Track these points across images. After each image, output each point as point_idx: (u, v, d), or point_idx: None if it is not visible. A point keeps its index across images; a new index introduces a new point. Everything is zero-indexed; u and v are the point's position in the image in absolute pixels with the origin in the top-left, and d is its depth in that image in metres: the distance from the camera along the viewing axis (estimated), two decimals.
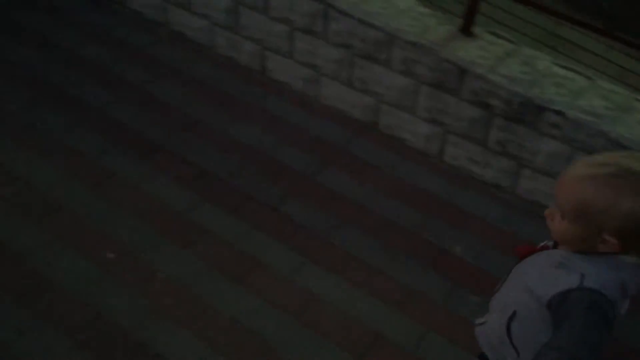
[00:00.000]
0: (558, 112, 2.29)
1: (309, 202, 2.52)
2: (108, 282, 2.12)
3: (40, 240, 2.22)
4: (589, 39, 3.87)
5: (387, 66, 2.66)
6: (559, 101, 2.32)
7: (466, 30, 2.59)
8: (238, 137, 2.79)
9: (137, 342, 1.95)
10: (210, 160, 2.65)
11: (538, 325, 1.24)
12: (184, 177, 2.56)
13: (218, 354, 1.95)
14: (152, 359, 1.91)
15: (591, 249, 1.19)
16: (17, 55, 3.06)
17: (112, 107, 2.84)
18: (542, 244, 1.37)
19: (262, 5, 2.91)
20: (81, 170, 2.52)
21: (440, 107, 2.60)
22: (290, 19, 2.86)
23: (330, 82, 2.90)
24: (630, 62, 3.80)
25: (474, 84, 2.45)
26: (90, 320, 1.99)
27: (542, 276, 1.25)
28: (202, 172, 2.60)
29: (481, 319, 1.49)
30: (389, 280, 2.23)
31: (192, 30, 3.25)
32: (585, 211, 1.16)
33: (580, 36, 3.91)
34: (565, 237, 1.23)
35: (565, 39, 3.93)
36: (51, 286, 2.07)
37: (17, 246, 2.19)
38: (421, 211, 2.51)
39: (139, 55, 3.18)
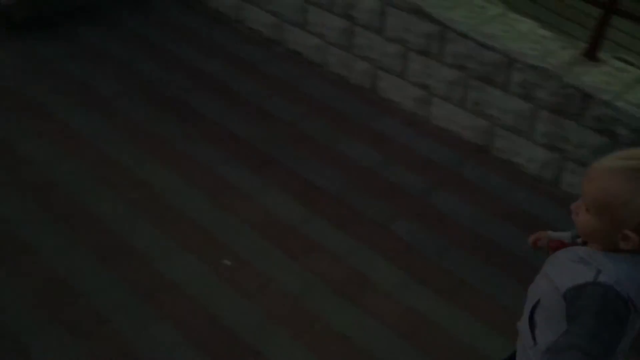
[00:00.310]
0: None
1: (418, 222, 2.51)
2: (224, 288, 2.19)
3: (163, 243, 2.34)
4: None
5: (505, 89, 2.62)
6: None
7: (591, 55, 2.51)
8: (348, 153, 2.83)
9: (251, 349, 2.00)
10: (321, 176, 2.70)
11: (557, 316, 1.23)
12: (295, 190, 2.62)
13: None
14: None
15: (613, 245, 1.19)
16: (139, 65, 3.25)
17: (229, 120, 2.96)
18: (574, 240, 1.39)
19: (378, 26, 2.95)
20: (199, 179, 2.64)
21: (560, 133, 2.52)
22: (405, 40, 2.88)
23: (442, 102, 2.88)
24: None
25: (598, 111, 2.37)
26: (207, 323, 2.07)
27: (562, 269, 1.27)
28: (313, 186, 2.65)
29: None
30: (499, 307, 2.18)
31: (306, 48, 3.34)
32: (607, 204, 1.16)
33: None
34: (588, 230, 1.23)
35: None
36: (173, 287, 2.17)
37: (142, 247, 2.31)
38: None
39: (255, 71, 3.30)
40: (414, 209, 2.57)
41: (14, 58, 3.20)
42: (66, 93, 3.02)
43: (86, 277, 2.18)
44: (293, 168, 2.73)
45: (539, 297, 1.33)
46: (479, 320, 2.14)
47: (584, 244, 1.32)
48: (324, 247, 2.38)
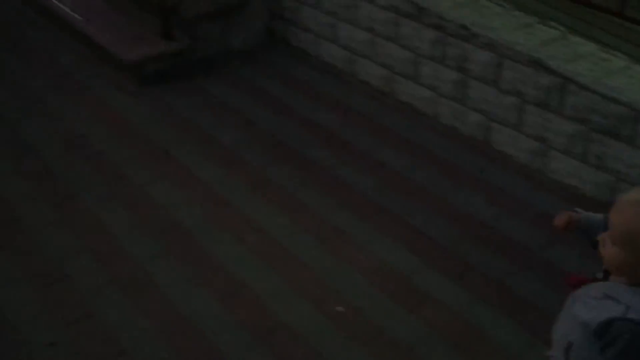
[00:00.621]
0: None
1: (536, 278, 2.41)
2: (337, 334, 2.19)
3: (277, 286, 2.38)
4: None
5: (631, 143, 2.51)
6: None
7: None
8: (460, 205, 2.80)
9: None
10: (433, 226, 2.68)
11: (592, 354, 1.25)
12: (407, 240, 2.60)
13: None
14: None
15: (637, 278, 1.22)
16: (257, 115, 3.41)
17: (341, 169, 3.02)
18: (593, 276, 1.38)
19: (493, 78, 2.95)
20: (312, 224, 2.69)
21: None
22: (521, 92, 2.85)
23: (561, 156, 2.80)
24: None
25: None
26: None
27: (587, 306, 1.29)
28: (425, 236, 2.63)
29: (550, 352, 1.46)
30: None
31: (417, 99, 3.38)
32: (632, 236, 1.19)
33: None
34: (614, 263, 1.26)
35: None
36: (286, 329, 2.20)
37: (257, 289, 2.37)
38: None
39: (365, 121, 3.37)
40: (530, 264, 2.48)
41: (144, 107, 3.46)
42: (189, 140, 3.21)
43: (208, 316, 2.25)
44: (404, 217, 2.72)
45: (569, 339, 1.33)
46: None
47: (605, 278, 1.34)
48: (437, 298, 2.34)
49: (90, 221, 2.69)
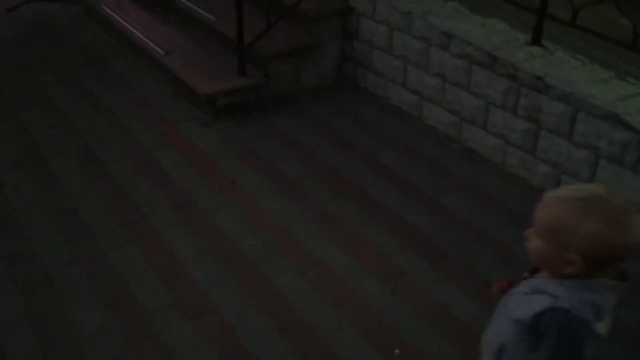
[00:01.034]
0: None
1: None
2: None
3: (337, 322, 2.38)
4: None
5: None
6: None
7: None
8: (525, 256, 2.73)
9: None
10: (497, 274, 2.61)
11: (522, 352, 1.31)
12: (469, 287, 2.56)
13: None
14: None
15: (560, 271, 1.28)
16: (323, 151, 3.46)
17: (404, 210, 3.02)
18: (522, 277, 1.44)
19: (566, 130, 2.91)
20: (373, 263, 2.68)
21: None
22: (595, 146, 2.80)
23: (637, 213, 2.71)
24: None
25: None
26: None
27: (519, 303, 1.35)
28: (488, 284, 2.57)
29: None
30: None
31: (485, 147, 3.36)
32: (554, 229, 1.28)
33: None
34: (537, 255, 1.35)
35: None
36: None
37: (316, 323, 2.37)
38: None
39: (431, 165, 3.37)
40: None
41: (215, 138, 3.58)
42: (256, 171, 3.28)
43: (266, 346, 2.27)
44: (468, 263, 2.68)
45: (500, 342, 1.38)
46: None
47: (532, 276, 1.41)
48: None
49: (157, 243, 2.77)
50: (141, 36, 4.36)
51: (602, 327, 1.27)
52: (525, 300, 1.33)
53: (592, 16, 3.07)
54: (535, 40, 3.21)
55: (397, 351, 2.26)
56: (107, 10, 4.85)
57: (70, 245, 2.75)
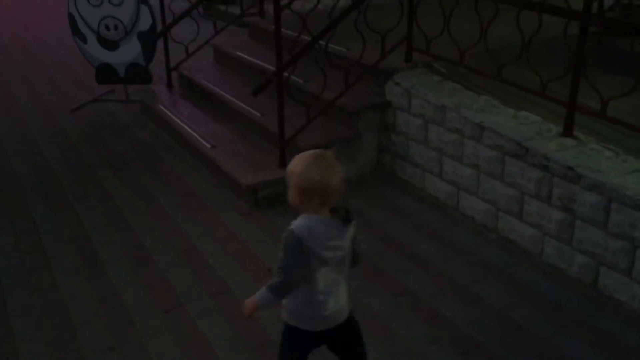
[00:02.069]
0: None
1: None
2: None
3: None
4: None
5: None
6: None
7: None
8: (563, 350, 2.65)
9: None
10: None
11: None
12: None
13: None
14: None
15: (298, 207, 1.96)
16: (363, 244, 3.50)
17: (438, 300, 3.00)
18: None
19: (601, 220, 2.88)
20: (402, 356, 2.65)
21: None
22: (632, 237, 2.75)
23: None
24: None
25: None
26: None
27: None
28: None
29: None
30: None
31: (521, 237, 3.34)
32: (290, 175, 1.92)
33: None
34: (291, 201, 1.96)
35: None
36: None
37: None
38: None
39: (467, 254, 3.36)
40: None
41: (253, 227, 3.70)
42: None
43: None
44: (502, 356, 2.61)
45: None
46: None
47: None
48: None
49: (191, 330, 2.84)
50: (190, 131, 4.64)
51: (328, 251, 1.97)
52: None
53: (624, 105, 3.11)
54: (567, 131, 3.25)
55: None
56: (162, 108, 5.22)
57: (110, 331, 2.84)
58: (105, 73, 5.77)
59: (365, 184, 4.16)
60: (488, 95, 3.78)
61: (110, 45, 5.62)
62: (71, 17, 5.60)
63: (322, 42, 3.96)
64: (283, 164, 4.01)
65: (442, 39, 3.89)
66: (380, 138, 4.26)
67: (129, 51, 5.61)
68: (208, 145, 4.38)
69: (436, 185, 3.90)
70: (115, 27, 5.53)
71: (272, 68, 4.06)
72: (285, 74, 3.86)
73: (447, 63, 4.05)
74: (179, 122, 4.84)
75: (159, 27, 5.57)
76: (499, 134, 3.37)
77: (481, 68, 3.78)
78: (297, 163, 1.92)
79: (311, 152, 1.94)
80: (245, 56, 5.35)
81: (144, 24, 5.47)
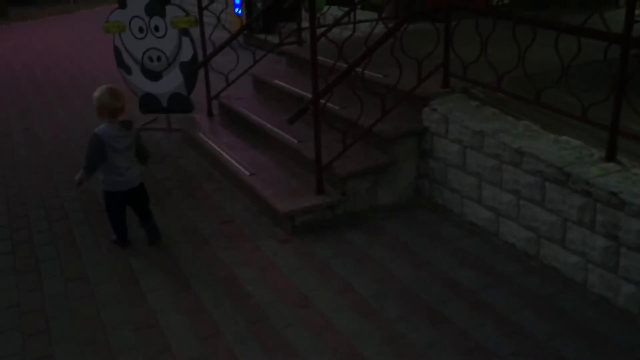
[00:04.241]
0: None
1: None
2: None
3: None
4: None
5: None
6: None
7: None
8: None
9: None
10: None
11: None
12: None
13: None
14: None
15: (101, 119, 3.60)
16: (398, 269, 3.47)
17: (477, 330, 2.93)
18: None
19: None
20: None
21: None
22: None
23: None
24: None
25: None
26: None
27: None
28: None
29: None
30: None
31: (564, 265, 3.25)
32: (95, 101, 3.58)
33: None
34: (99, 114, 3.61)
35: None
36: None
37: None
38: None
39: (508, 282, 3.28)
40: None
41: (291, 254, 3.71)
42: (329, 287, 3.34)
43: None
44: None
45: None
46: None
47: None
48: None
49: (228, 359, 2.84)
50: (230, 159, 4.71)
51: (118, 144, 3.57)
52: None
53: None
54: (610, 156, 3.17)
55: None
56: (202, 136, 5.32)
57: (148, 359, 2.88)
58: (148, 103, 5.95)
59: (403, 210, 4.14)
60: (527, 120, 3.72)
61: (153, 76, 5.80)
62: (117, 50, 5.81)
63: (359, 69, 3.99)
64: (320, 190, 4.03)
65: (479, 65, 3.86)
66: (418, 164, 4.24)
67: (171, 81, 5.77)
68: (247, 173, 4.44)
69: (475, 211, 3.84)
70: (159, 59, 5.70)
71: (309, 95, 4.11)
72: (322, 101, 3.89)
73: (485, 88, 4.02)
74: (219, 150, 4.93)
75: (200, 58, 5.72)
76: (539, 159, 3.31)
77: (520, 93, 3.74)
78: (97, 92, 3.55)
79: (105, 85, 3.61)
80: (283, 84, 5.42)
81: (186, 54, 5.63)
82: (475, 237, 3.75)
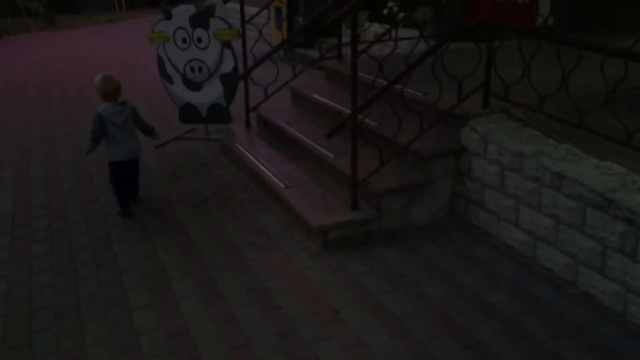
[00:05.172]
0: None
1: None
2: None
3: None
4: None
5: None
6: None
7: None
8: None
9: None
10: None
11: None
12: None
13: None
14: None
15: (101, 99, 4.47)
16: (430, 288, 3.43)
17: (511, 355, 2.87)
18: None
19: None
20: None
21: None
22: None
23: None
24: None
25: None
26: None
27: None
28: None
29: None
30: None
31: (603, 293, 3.16)
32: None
33: None
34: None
35: None
36: None
37: None
38: None
39: (543, 308, 3.21)
40: None
41: (323, 268, 3.70)
42: (360, 304, 3.31)
43: None
44: None
45: None
46: None
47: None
48: None
49: None
50: (266, 170, 4.75)
51: (116, 118, 4.38)
52: None
53: None
54: None
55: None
56: (240, 147, 5.38)
57: None
58: (188, 113, 6.05)
59: (437, 230, 4.09)
60: (569, 143, 3.65)
61: (194, 86, 5.90)
62: (160, 60, 5.93)
63: (398, 86, 3.98)
64: (355, 206, 4.01)
65: (520, 86, 3.81)
66: (455, 184, 4.20)
67: (212, 92, 5.86)
68: (282, 185, 4.46)
69: (512, 234, 3.78)
70: (200, 70, 5.80)
71: (347, 111, 4.11)
72: (360, 116, 3.90)
73: (526, 109, 3.96)
74: (255, 162, 4.97)
75: (241, 70, 5.79)
76: (581, 183, 3.24)
77: (562, 115, 3.67)
78: (96, 79, 4.37)
79: (101, 73, 4.39)
80: (322, 99, 5.45)
81: (227, 66, 5.72)
82: (511, 260, 3.69)
